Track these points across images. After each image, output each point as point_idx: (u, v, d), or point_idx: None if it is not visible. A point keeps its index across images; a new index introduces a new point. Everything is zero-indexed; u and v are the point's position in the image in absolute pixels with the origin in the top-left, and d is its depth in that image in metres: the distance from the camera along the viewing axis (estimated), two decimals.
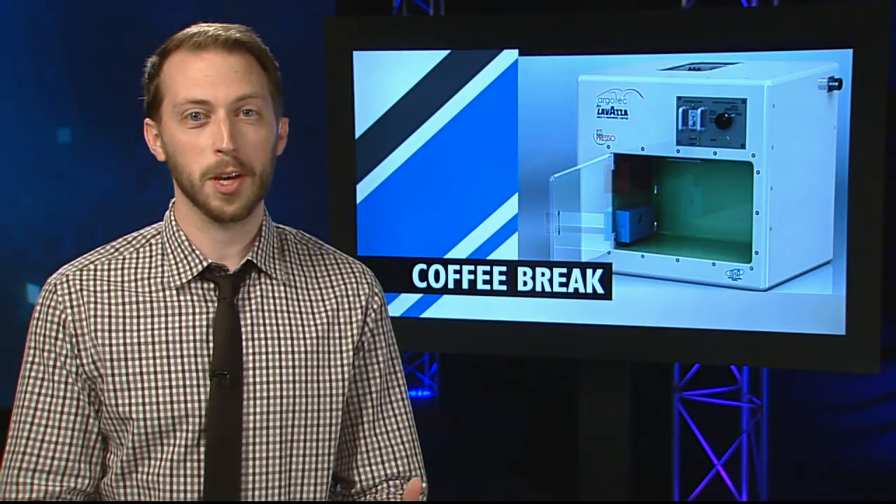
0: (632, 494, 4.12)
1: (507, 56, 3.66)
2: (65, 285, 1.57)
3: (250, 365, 1.56)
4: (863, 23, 3.35)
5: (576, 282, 3.68)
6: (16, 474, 1.56)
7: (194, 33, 1.53)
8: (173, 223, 1.60)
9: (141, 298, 1.57)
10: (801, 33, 3.45)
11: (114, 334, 1.55)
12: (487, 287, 3.75)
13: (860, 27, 3.35)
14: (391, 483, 1.68)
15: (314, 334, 1.61)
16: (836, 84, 3.37)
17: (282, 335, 1.59)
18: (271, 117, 1.56)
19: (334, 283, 1.66)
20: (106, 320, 1.55)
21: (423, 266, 3.80)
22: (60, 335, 1.55)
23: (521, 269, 3.72)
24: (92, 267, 1.59)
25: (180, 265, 1.58)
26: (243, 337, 1.57)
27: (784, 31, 3.48)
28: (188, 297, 1.57)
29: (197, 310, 1.56)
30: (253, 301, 1.59)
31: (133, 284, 1.58)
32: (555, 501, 4.55)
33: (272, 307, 1.60)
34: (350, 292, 1.66)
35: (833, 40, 3.39)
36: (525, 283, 3.72)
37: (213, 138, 1.50)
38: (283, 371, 1.58)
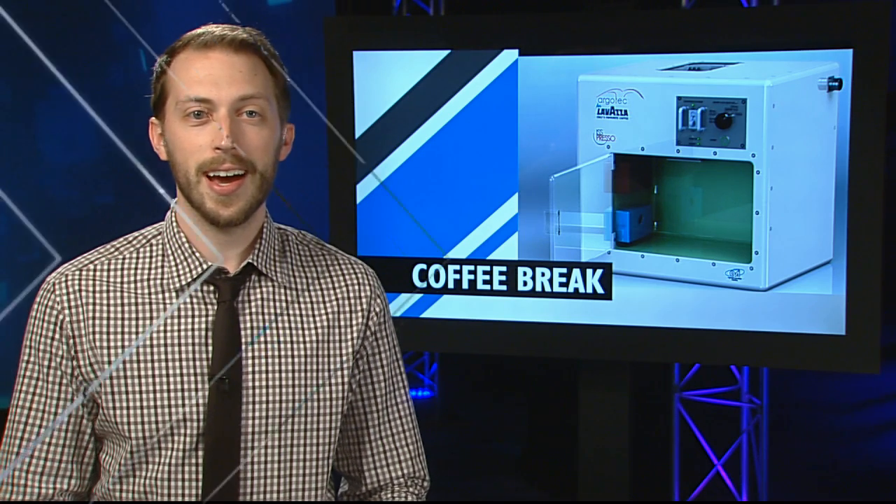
0: (632, 494, 4.12)
1: (507, 56, 3.66)
2: (63, 285, 1.56)
3: (249, 369, 1.56)
4: (863, 23, 3.34)
5: (576, 282, 3.67)
6: (10, 474, 1.56)
7: (201, 33, 1.52)
8: (174, 224, 1.59)
9: (140, 300, 1.56)
10: (801, 33, 3.45)
11: (112, 336, 1.54)
12: (487, 287, 3.75)
13: (860, 27, 3.35)
14: (397, 483, 1.69)
15: (314, 338, 1.61)
16: (836, 84, 3.37)
17: (281, 339, 1.58)
18: (275, 120, 1.55)
19: (336, 285, 1.66)
20: (104, 322, 1.54)
21: (423, 266, 3.80)
22: (57, 336, 1.55)
23: (521, 269, 3.72)
24: (91, 267, 1.58)
25: (180, 267, 1.57)
26: (242, 341, 1.56)
27: (784, 31, 3.48)
28: (188, 300, 1.56)
29: (196, 313, 1.56)
30: (253, 304, 1.58)
31: (133, 285, 1.57)
32: (555, 501, 4.55)
33: (272, 311, 1.59)
34: (351, 295, 1.66)
35: (833, 40, 3.38)
36: (525, 283, 3.71)
37: (212, 136, 1.49)
38: (282, 376, 1.57)
